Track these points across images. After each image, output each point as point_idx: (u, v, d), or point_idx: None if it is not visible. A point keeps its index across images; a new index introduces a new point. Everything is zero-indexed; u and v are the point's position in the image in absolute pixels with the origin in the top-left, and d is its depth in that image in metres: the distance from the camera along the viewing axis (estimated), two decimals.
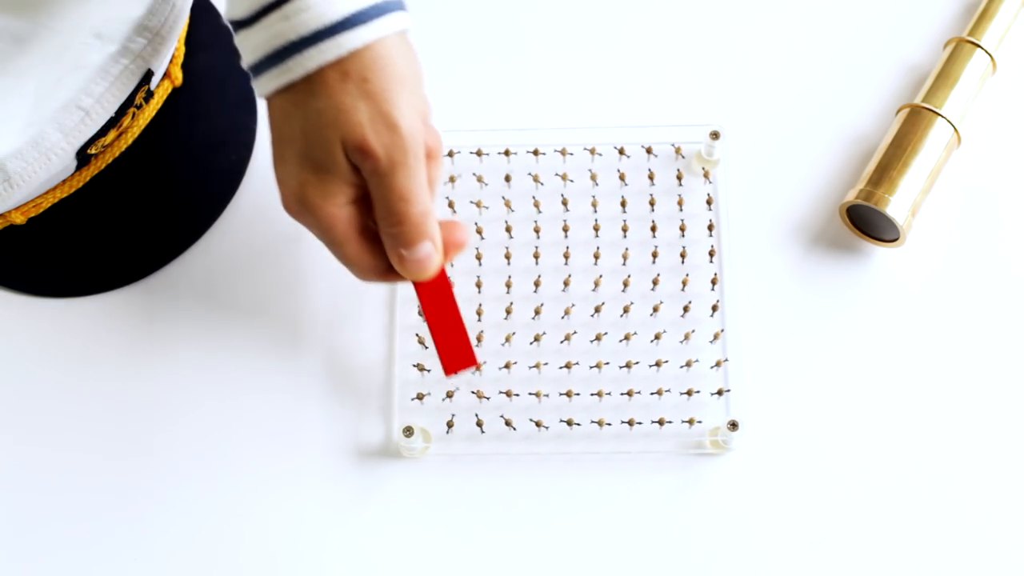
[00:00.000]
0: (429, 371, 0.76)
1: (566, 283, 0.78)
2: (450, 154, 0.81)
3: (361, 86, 0.64)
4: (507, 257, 0.79)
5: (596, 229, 0.79)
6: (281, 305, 0.79)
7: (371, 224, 0.68)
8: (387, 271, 0.69)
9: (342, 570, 0.73)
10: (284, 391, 0.77)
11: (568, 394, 0.75)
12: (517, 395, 0.75)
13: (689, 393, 0.75)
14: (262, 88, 0.66)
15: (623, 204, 0.80)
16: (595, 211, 0.80)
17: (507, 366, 0.76)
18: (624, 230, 0.79)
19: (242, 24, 0.66)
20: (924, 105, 0.79)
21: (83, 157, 0.76)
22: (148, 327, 0.78)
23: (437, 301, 0.70)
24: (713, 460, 0.75)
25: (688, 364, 0.76)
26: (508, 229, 0.79)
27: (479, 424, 0.75)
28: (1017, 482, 0.74)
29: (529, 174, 0.81)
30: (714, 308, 0.77)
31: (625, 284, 0.78)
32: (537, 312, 0.77)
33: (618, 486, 0.74)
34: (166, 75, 0.80)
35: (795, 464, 0.75)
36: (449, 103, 0.81)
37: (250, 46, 0.66)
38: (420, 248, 0.67)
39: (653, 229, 0.79)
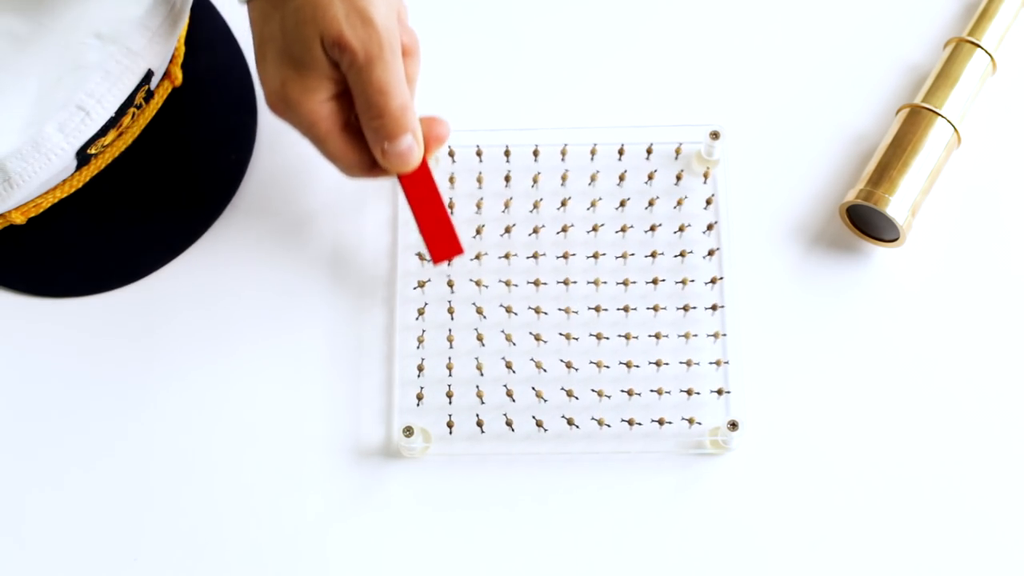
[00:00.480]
0: (429, 371, 0.76)
1: (566, 283, 0.78)
2: (450, 154, 0.81)
3: None
4: (507, 257, 0.79)
5: (596, 229, 0.79)
6: (281, 305, 0.79)
7: (353, 120, 0.71)
8: (371, 166, 0.72)
9: (342, 570, 0.73)
10: (284, 391, 0.77)
11: (568, 394, 0.75)
12: (517, 395, 0.75)
13: (689, 393, 0.75)
14: None
15: (623, 204, 0.80)
16: (595, 211, 0.80)
17: (507, 366, 0.76)
18: (624, 230, 0.79)
19: None
20: (924, 105, 0.79)
21: (83, 157, 0.76)
22: (148, 327, 0.78)
23: (421, 193, 0.73)
24: (713, 460, 0.75)
25: (688, 364, 0.76)
26: (508, 229, 0.79)
27: (479, 424, 0.75)
28: (1017, 482, 0.74)
29: (529, 174, 0.81)
30: (714, 308, 0.77)
31: (625, 284, 0.78)
32: (537, 312, 0.77)
33: (618, 486, 0.74)
34: (166, 75, 0.80)
35: (795, 464, 0.75)
36: (449, 103, 0.82)
37: None
38: (401, 141, 0.70)
39: (653, 229, 0.79)
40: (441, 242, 0.73)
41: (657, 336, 0.76)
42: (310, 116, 0.70)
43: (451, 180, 0.80)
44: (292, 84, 0.69)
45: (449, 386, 0.76)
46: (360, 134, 0.71)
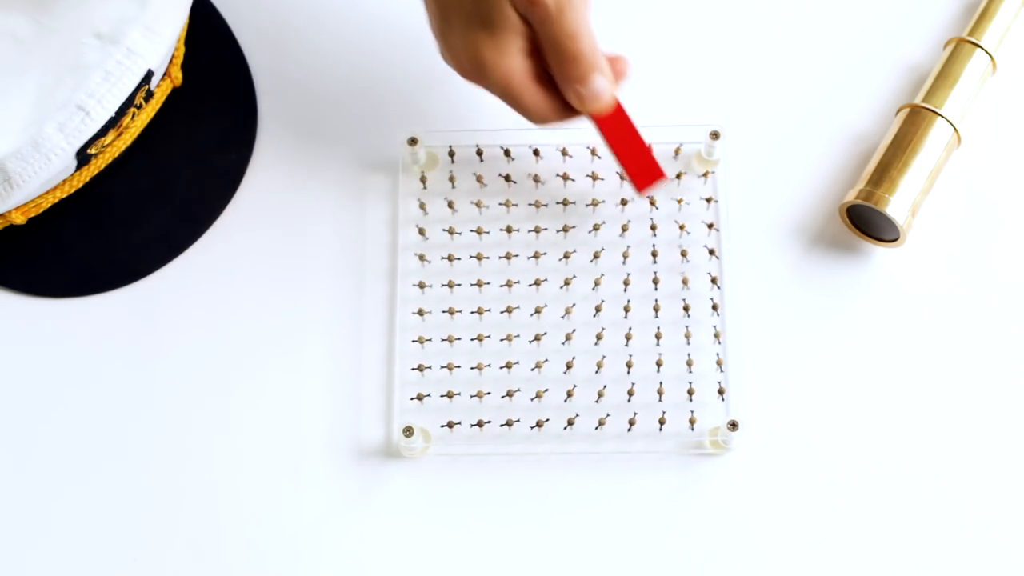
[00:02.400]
0: (429, 371, 0.76)
1: (566, 282, 0.78)
2: (450, 154, 0.81)
3: None
4: (507, 257, 0.79)
5: (596, 229, 0.79)
6: (281, 305, 0.79)
7: (541, 70, 0.72)
8: (564, 111, 0.74)
9: (342, 570, 0.73)
10: (284, 391, 0.77)
11: (569, 394, 0.75)
12: (517, 395, 0.75)
13: (689, 393, 0.75)
14: None
15: (623, 204, 0.80)
16: (595, 210, 0.80)
17: (507, 366, 0.76)
18: (624, 230, 0.79)
19: None
20: (924, 105, 0.79)
21: (83, 157, 0.76)
22: (148, 327, 0.78)
23: (617, 128, 0.75)
24: (713, 460, 0.75)
25: (688, 364, 0.76)
26: (508, 229, 0.79)
27: (479, 424, 0.75)
28: (1017, 482, 0.74)
29: (529, 174, 0.81)
30: (714, 308, 0.77)
31: (625, 284, 0.78)
32: (538, 311, 0.77)
33: (618, 486, 0.74)
34: (166, 75, 0.80)
35: (795, 464, 0.75)
36: (449, 103, 0.82)
37: None
38: (595, 81, 0.72)
39: (653, 229, 0.79)
40: (643, 170, 0.75)
41: (657, 336, 0.76)
42: (507, 75, 0.71)
43: (451, 180, 0.80)
44: (486, 47, 0.70)
45: (449, 386, 0.76)
46: (549, 82, 0.72)
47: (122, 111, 0.76)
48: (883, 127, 0.82)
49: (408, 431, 0.73)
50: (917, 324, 0.78)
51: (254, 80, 0.84)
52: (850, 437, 0.75)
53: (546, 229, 0.79)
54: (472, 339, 0.77)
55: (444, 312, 0.77)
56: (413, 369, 0.76)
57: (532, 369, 0.76)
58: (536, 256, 0.78)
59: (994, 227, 0.80)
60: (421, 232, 0.79)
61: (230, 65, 0.84)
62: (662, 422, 0.74)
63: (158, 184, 0.81)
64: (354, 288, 0.79)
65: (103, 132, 0.75)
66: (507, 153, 0.80)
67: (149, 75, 0.76)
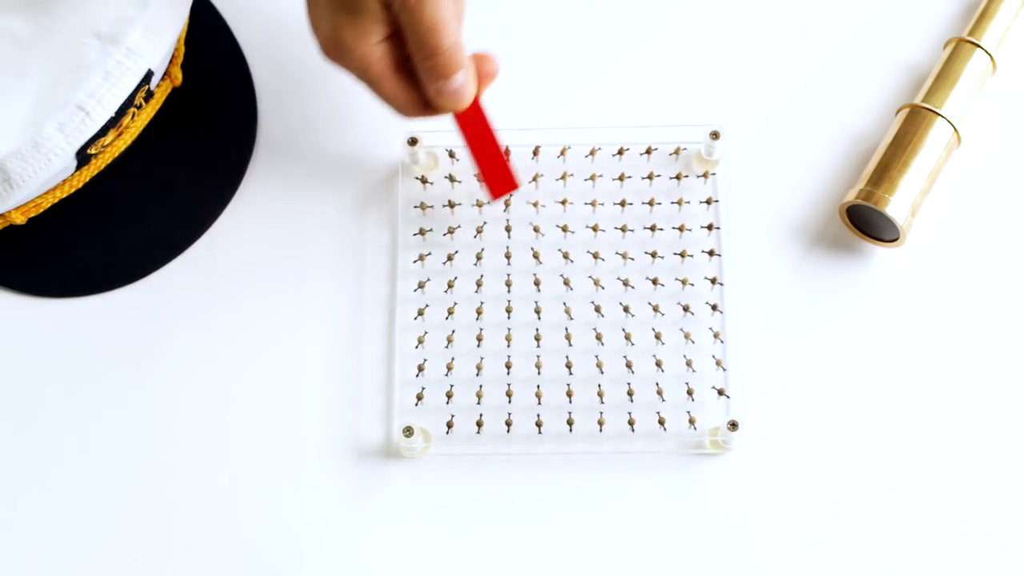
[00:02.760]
0: (429, 371, 0.76)
1: (566, 283, 0.78)
2: (451, 154, 0.81)
3: None
4: (507, 257, 0.79)
5: (596, 229, 0.79)
6: (281, 305, 0.79)
7: (405, 60, 0.72)
8: (425, 105, 0.73)
9: (342, 570, 0.73)
10: (284, 391, 0.77)
11: (568, 394, 0.75)
12: (517, 395, 0.75)
13: (689, 393, 0.75)
14: None
15: (623, 204, 0.79)
16: (595, 211, 0.80)
17: (507, 366, 0.76)
18: (624, 230, 0.79)
19: None
20: (924, 105, 0.79)
21: (83, 157, 0.76)
22: (148, 327, 0.78)
23: (475, 130, 0.75)
24: (713, 460, 0.75)
25: (688, 364, 0.76)
26: (508, 229, 0.79)
27: (479, 424, 0.75)
28: (1016, 482, 0.74)
29: (529, 174, 0.81)
30: (714, 308, 0.77)
31: (625, 284, 0.78)
32: (537, 312, 0.77)
33: (618, 486, 0.74)
34: (166, 75, 0.80)
35: (795, 464, 0.75)
36: None
37: None
38: (455, 79, 0.71)
39: (653, 229, 0.79)
40: (498, 178, 0.75)
41: (657, 336, 0.76)
42: (364, 59, 0.71)
43: (451, 179, 0.80)
44: (345, 28, 0.70)
45: (449, 386, 0.76)
46: (413, 73, 0.72)
47: (122, 111, 0.76)
48: (883, 127, 0.82)
49: (408, 431, 0.73)
50: (917, 324, 0.78)
51: (254, 80, 0.84)
52: (850, 437, 0.75)
53: (546, 230, 0.79)
54: (472, 339, 0.77)
55: (444, 312, 0.77)
56: (413, 369, 0.76)
57: (532, 369, 0.76)
58: (536, 256, 0.78)
59: (994, 227, 0.80)
60: (421, 232, 0.79)
61: (230, 65, 0.84)
62: (662, 422, 0.74)
63: (158, 184, 0.81)
64: (354, 288, 0.79)
65: (103, 132, 0.75)
66: (506, 153, 0.80)
67: (149, 75, 0.76)
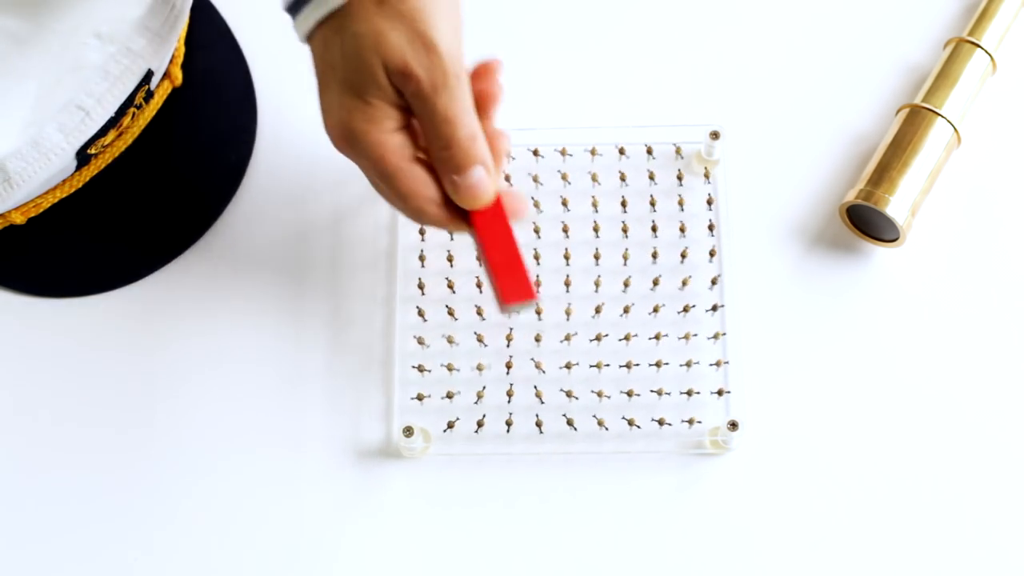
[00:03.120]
0: (429, 371, 0.76)
1: (567, 283, 0.78)
2: None
3: (397, 7, 0.64)
4: None
5: (596, 229, 0.79)
6: (281, 305, 0.79)
7: (421, 154, 0.67)
8: (444, 204, 0.67)
9: (342, 570, 0.73)
10: (284, 391, 0.77)
11: (568, 394, 0.75)
12: (517, 395, 0.75)
13: (689, 393, 0.75)
14: (303, 25, 0.66)
15: (623, 204, 0.80)
16: (595, 211, 0.80)
17: (507, 366, 0.76)
18: (624, 230, 0.79)
19: None
20: (924, 105, 0.79)
21: (83, 157, 0.76)
22: (148, 327, 0.78)
23: (492, 229, 0.67)
24: (713, 460, 0.75)
25: (688, 364, 0.76)
26: None
27: (479, 424, 0.75)
28: (1016, 483, 0.74)
29: (529, 174, 0.81)
30: (714, 308, 0.77)
31: (625, 284, 0.78)
32: (538, 312, 0.77)
33: (618, 486, 0.74)
34: (166, 75, 0.80)
35: (795, 464, 0.75)
36: None
37: None
38: (471, 173, 0.66)
39: (653, 229, 0.79)
40: (512, 284, 0.67)
41: (657, 336, 0.76)
42: (378, 148, 0.65)
43: None
44: (356, 114, 0.65)
45: (449, 386, 0.76)
46: (430, 169, 0.67)
47: (122, 111, 0.76)
48: (883, 127, 0.82)
49: (408, 431, 0.73)
50: (917, 324, 0.78)
51: (254, 80, 0.84)
52: (850, 437, 0.75)
53: (545, 228, 0.79)
54: (472, 339, 0.77)
55: (444, 312, 0.77)
56: (413, 369, 0.76)
57: (532, 369, 0.76)
58: (536, 257, 0.78)
59: (994, 227, 0.80)
60: (421, 233, 0.79)
61: (230, 65, 0.84)
62: (662, 422, 0.74)
63: (158, 184, 0.81)
64: (354, 288, 0.79)
65: (103, 132, 0.75)
66: (507, 153, 0.80)
67: (149, 75, 0.76)
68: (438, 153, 0.66)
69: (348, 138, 0.66)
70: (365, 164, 0.67)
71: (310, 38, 0.67)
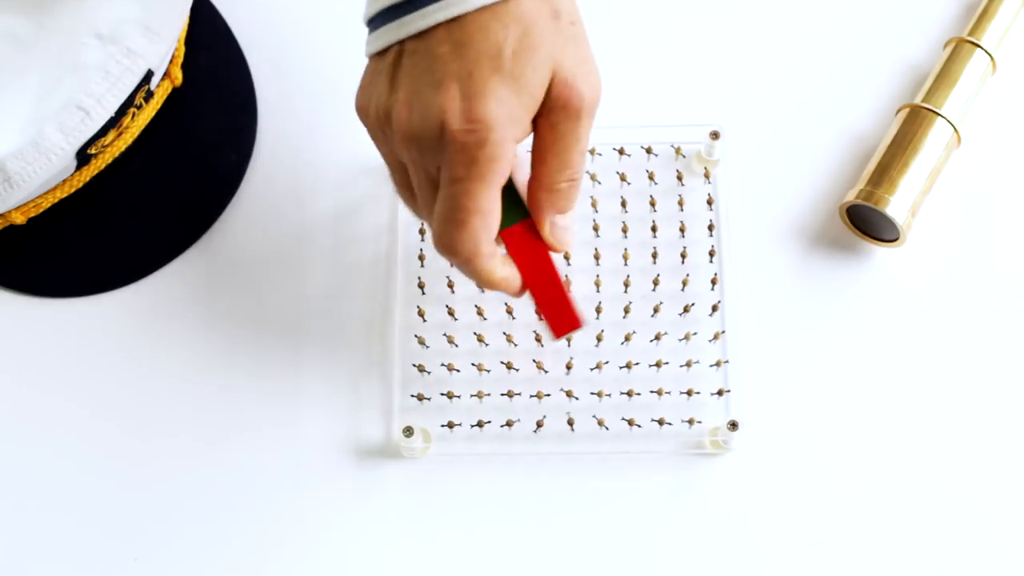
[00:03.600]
0: (429, 372, 0.76)
1: (567, 283, 0.78)
2: None
3: (569, 27, 0.64)
4: None
5: (596, 229, 0.79)
6: (281, 305, 0.79)
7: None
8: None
9: (342, 570, 0.73)
10: (284, 391, 0.77)
11: (568, 394, 0.75)
12: (518, 394, 0.75)
13: (689, 393, 0.75)
14: (462, 4, 0.62)
15: (623, 204, 0.80)
16: (595, 211, 0.80)
17: (507, 366, 0.76)
18: (624, 230, 0.79)
19: None
20: (924, 105, 0.79)
21: (83, 157, 0.76)
22: (148, 327, 0.78)
23: (539, 265, 0.68)
24: (713, 460, 0.75)
25: (688, 364, 0.76)
26: None
27: (479, 424, 0.75)
28: (1016, 483, 0.74)
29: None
30: (714, 308, 0.77)
31: (625, 284, 0.78)
32: (538, 312, 0.77)
33: (618, 486, 0.74)
34: (166, 75, 0.80)
35: (795, 464, 0.75)
36: None
37: None
38: (572, 214, 0.67)
39: (653, 229, 0.79)
40: (560, 316, 0.68)
41: (657, 336, 0.76)
42: (501, 146, 0.61)
43: None
44: (503, 105, 0.61)
45: (449, 386, 0.76)
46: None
47: (122, 111, 0.76)
48: (883, 127, 0.82)
49: (408, 431, 0.73)
50: (917, 324, 0.78)
51: (254, 80, 0.84)
52: (850, 437, 0.75)
53: None
54: (472, 339, 0.77)
55: (444, 312, 0.77)
56: (413, 369, 0.76)
57: (532, 369, 0.76)
58: None
59: (994, 227, 0.80)
60: (421, 232, 0.79)
61: (230, 65, 0.84)
62: (662, 422, 0.74)
63: (158, 184, 0.81)
64: (354, 287, 0.79)
65: (103, 132, 0.75)
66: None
67: (149, 75, 0.76)
68: (557, 185, 0.65)
69: (482, 128, 0.61)
70: (462, 159, 0.62)
71: (462, 16, 0.62)
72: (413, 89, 0.63)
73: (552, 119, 0.64)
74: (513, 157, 0.63)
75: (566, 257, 0.78)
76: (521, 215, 0.67)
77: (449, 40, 0.62)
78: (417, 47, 0.63)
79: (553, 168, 0.65)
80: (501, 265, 0.66)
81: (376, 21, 0.65)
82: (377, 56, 0.65)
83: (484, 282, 0.66)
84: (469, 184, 0.62)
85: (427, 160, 0.64)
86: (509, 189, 0.66)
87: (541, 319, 0.71)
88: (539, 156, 0.65)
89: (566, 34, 0.64)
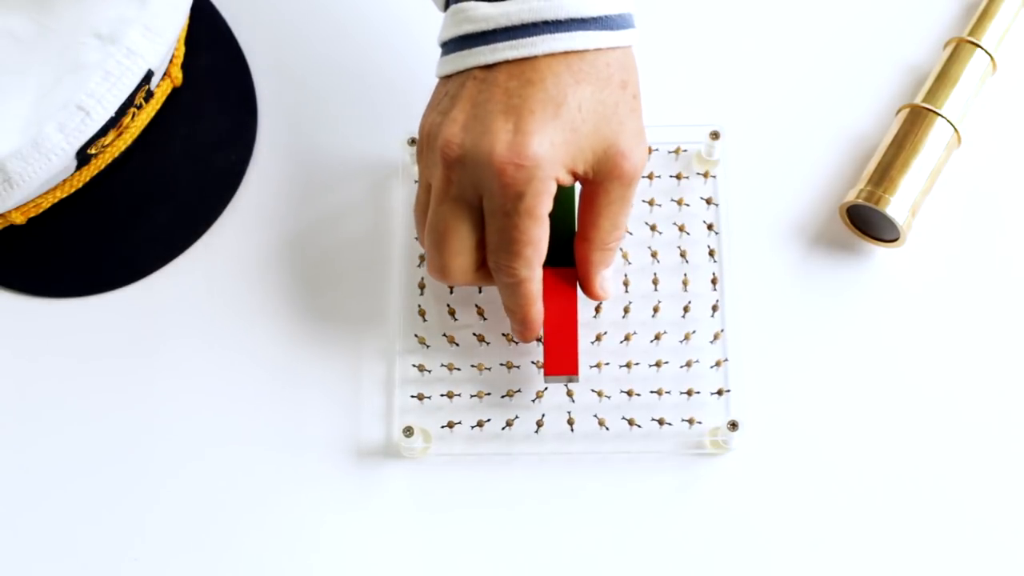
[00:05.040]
0: (429, 371, 0.76)
1: None
2: None
3: (633, 101, 0.68)
4: None
5: None
6: (281, 305, 0.79)
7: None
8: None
9: (342, 570, 0.73)
10: (284, 391, 0.77)
11: (569, 394, 0.75)
12: (518, 394, 0.75)
13: (689, 393, 0.75)
14: (546, 44, 0.66)
15: None
16: None
17: (507, 366, 0.76)
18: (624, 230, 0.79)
19: None
20: (924, 105, 0.79)
21: (83, 157, 0.76)
22: (148, 327, 0.78)
23: (562, 307, 0.72)
24: (713, 460, 0.75)
25: (688, 364, 0.76)
26: None
27: (479, 424, 0.75)
28: (1016, 483, 0.74)
29: None
30: (714, 308, 0.77)
31: (625, 284, 0.78)
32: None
33: (618, 486, 0.74)
34: (166, 75, 0.80)
35: (795, 464, 0.75)
36: None
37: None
38: (611, 268, 0.72)
39: (653, 229, 0.79)
40: (560, 358, 0.72)
41: (657, 336, 0.76)
42: (546, 184, 0.66)
43: None
44: (555, 149, 0.65)
45: (449, 386, 0.76)
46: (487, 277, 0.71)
47: (122, 111, 0.76)
48: (883, 127, 0.82)
49: (408, 431, 0.73)
50: (917, 324, 0.78)
51: (254, 80, 0.84)
52: (850, 437, 0.75)
53: None
54: (472, 339, 0.77)
55: (444, 312, 0.77)
56: (413, 369, 0.76)
57: (532, 369, 0.76)
58: None
59: (994, 227, 0.80)
60: None
61: (230, 65, 0.84)
62: (662, 422, 0.74)
63: (158, 184, 0.81)
64: (354, 287, 0.79)
65: (103, 132, 0.75)
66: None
67: (149, 75, 0.76)
68: (608, 245, 0.70)
69: (531, 162, 0.65)
70: (510, 193, 0.65)
71: (539, 58, 0.66)
72: (473, 114, 0.66)
73: (607, 185, 0.68)
74: (555, 192, 0.67)
75: None
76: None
77: (519, 77, 0.66)
78: (486, 76, 0.67)
79: (604, 230, 0.70)
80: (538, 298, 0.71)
81: (449, 46, 0.68)
82: (446, 79, 0.69)
83: (526, 304, 0.70)
84: (518, 219, 0.66)
85: (464, 181, 0.67)
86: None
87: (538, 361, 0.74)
88: (590, 218, 0.70)
89: (630, 106, 0.68)
